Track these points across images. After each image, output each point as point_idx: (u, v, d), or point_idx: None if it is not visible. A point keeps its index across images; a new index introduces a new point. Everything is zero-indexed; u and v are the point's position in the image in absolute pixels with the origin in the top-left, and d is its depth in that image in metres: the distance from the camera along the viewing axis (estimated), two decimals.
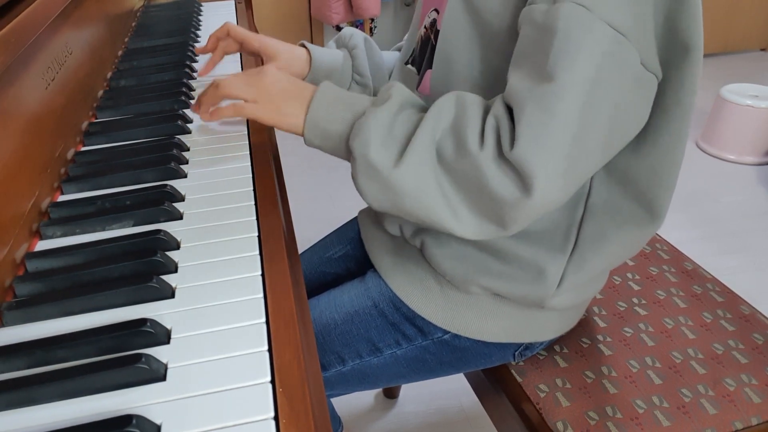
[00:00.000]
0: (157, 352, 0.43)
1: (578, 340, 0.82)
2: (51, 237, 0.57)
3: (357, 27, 2.91)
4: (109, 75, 0.89)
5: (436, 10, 0.70)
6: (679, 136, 0.61)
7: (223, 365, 0.42)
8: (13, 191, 0.53)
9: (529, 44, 0.55)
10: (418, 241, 0.73)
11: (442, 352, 0.75)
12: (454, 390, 1.38)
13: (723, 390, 0.74)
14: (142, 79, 0.88)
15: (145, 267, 0.51)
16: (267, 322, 0.46)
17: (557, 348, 0.81)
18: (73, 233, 0.57)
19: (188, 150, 0.71)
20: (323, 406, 0.43)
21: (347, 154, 0.61)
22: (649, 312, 0.86)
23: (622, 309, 0.87)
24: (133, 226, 0.58)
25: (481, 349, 0.75)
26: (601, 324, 0.85)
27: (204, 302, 0.48)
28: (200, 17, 1.26)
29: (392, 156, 0.56)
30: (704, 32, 0.56)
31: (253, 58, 0.99)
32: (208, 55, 0.89)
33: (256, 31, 1.23)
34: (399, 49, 0.92)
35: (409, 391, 1.40)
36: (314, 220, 2.00)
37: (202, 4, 1.36)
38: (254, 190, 0.62)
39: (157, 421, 0.38)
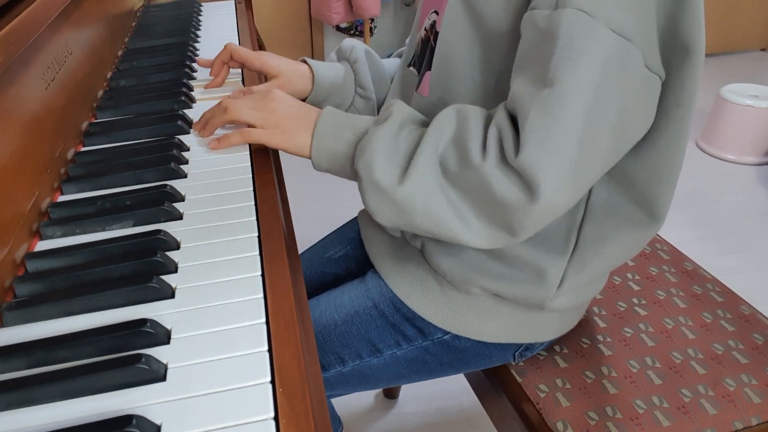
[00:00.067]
0: (158, 352, 0.43)
1: (578, 341, 0.82)
2: (51, 237, 0.56)
3: (357, 27, 2.91)
4: (109, 75, 0.89)
5: (436, 12, 0.70)
6: (680, 137, 0.61)
7: (224, 365, 0.42)
8: (13, 191, 0.53)
9: (532, 50, 0.55)
10: (418, 242, 0.73)
11: (443, 353, 0.75)
12: (454, 390, 1.38)
13: (723, 390, 0.74)
14: (142, 79, 0.88)
15: (145, 267, 0.51)
16: (267, 322, 0.46)
17: (557, 348, 0.81)
18: (73, 233, 0.57)
19: (188, 150, 0.71)
20: (323, 406, 0.43)
21: (354, 176, 0.61)
22: (649, 312, 0.86)
23: (622, 309, 0.87)
24: (133, 226, 0.58)
25: (482, 350, 0.75)
26: (601, 324, 0.85)
27: (204, 302, 0.48)
28: (200, 17, 1.26)
29: (396, 174, 0.57)
30: (704, 32, 0.56)
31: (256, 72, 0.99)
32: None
33: (256, 31, 1.23)
34: (400, 56, 0.92)
35: (409, 391, 1.40)
36: (314, 220, 2.00)
37: (202, 4, 1.36)
38: (254, 190, 0.62)
39: (157, 422, 0.38)
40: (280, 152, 0.75)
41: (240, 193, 0.62)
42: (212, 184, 0.64)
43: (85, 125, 0.75)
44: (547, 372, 0.78)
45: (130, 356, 0.42)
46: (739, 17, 3.32)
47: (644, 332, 0.83)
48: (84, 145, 0.72)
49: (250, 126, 0.67)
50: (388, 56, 0.94)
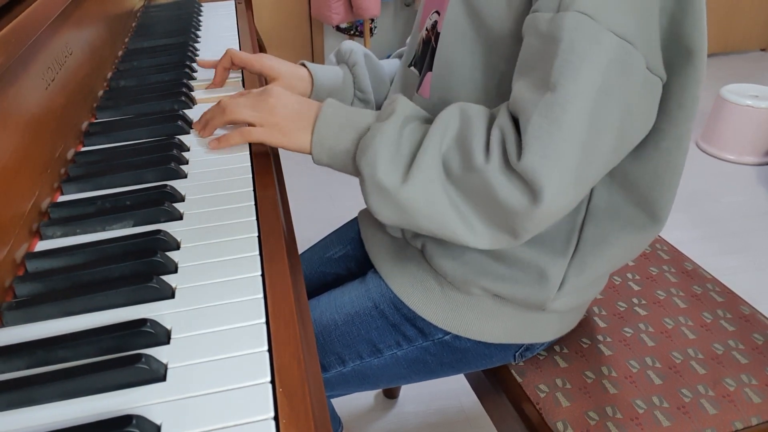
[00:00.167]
0: (157, 352, 0.43)
1: (578, 341, 0.82)
2: (51, 237, 0.56)
3: (357, 27, 2.91)
4: (109, 75, 0.89)
5: (438, 12, 0.70)
6: (681, 140, 0.61)
7: (223, 365, 0.42)
8: (13, 191, 0.53)
9: (534, 53, 0.55)
10: (419, 242, 0.73)
11: (443, 353, 0.75)
12: (454, 390, 1.38)
13: (723, 390, 0.74)
14: (142, 80, 0.88)
15: (145, 267, 0.51)
16: (267, 322, 0.46)
17: (557, 348, 0.81)
18: (74, 233, 0.57)
19: (188, 150, 0.71)
20: (323, 406, 0.43)
21: (356, 172, 0.61)
22: (649, 312, 0.86)
23: (622, 309, 0.87)
24: (133, 226, 0.58)
25: (482, 350, 0.75)
26: (601, 324, 0.85)
27: (204, 302, 0.48)
28: (200, 17, 1.26)
29: (400, 173, 0.57)
30: (706, 35, 0.56)
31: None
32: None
33: (256, 31, 1.23)
34: (400, 56, 0.92)
35: (409, 391, 1.40)
36: (314, 220, 2.00)
37: (202, 4, 1.36)
38: (254, 190, 0.62)
39: (157, 422, 0.38)
40: (281, 152, 0.75)
41: (240, 193, 0.62)
42: (212, 184, 0.64)
43: (85, 125, 0.75)
44: (547, 372, 0.78)
45: (130, 356, 0.42)
46: (739, 17, 3.32)
47: (644, 332, 0.83)
48: (84, 145, 0.72)
49: (249, 125, 0.66)
50: (388, 56, 0.94)
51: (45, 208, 0.59)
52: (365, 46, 2.85)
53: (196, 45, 1.07)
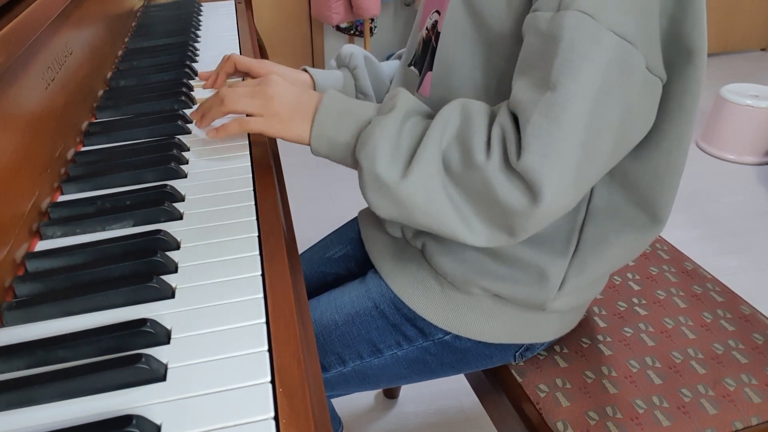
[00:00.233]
0: (157, 352, 0.43)
1: (578, 340, 0.82)
2: (51, 237, 0.57)
3: (357, 27, 2.90)
4: (109, 75, 0.89)
5: (438, 12, 0.70)
6: (681, 140, 0.61)
7: (223, 365, 0.42)
8: (13, 191, 0.53)
9: (534, 52, 0.54)
10: (419, 242, 0.73)
11: (443, 353, 0.75)
12: (454, 390, 1.38)
13: (723, 390, 0.74)
14: (142, 79, 0.88)
15: (145, 267, 0.51)
16: (267, 322, 0.46)
17: (557, 348, 0.81)
18: (73, 233, 0.57)
19: (188, 150, 0.71)
20: (323, 406, 0.43)
21: (355, 165, 0.61)
22: (649, 312, 0.86)
23: (622, 309, 0.87)
24: (133, 226, 0.58)
25: (482, 350, 0.75)
26: (601, 324, 0.85)
27: (204, 302, 0.48)
28: (200, 17, 1.26)
29: (399, 168, 0.57)
30: (706, 35, 0.56)
31: (254, 57, 0.99)
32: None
33: (257, 31, 1.23)
34: (400, 57, 0.92)
35: (409, 391, 1.40)
36: (314, 220, 2.00)
37: (202, 4, 1.36)
38: (254, 190, 0.62)
39: (157, 421, 0.38)
40: (281, 152, 0.75)
41: (240, 193, 0.62)
42: (212, 183, 0.64)
43: (85, 125, 0.75)
44: (547, 372, 0.78)
45: (130, 356, 0.42)
46: (739, 17, 3.32)
47: (644, 332, 0.83)
48: (84, 145, 0.72)
49: (248, 115, 0.66)
50: (388, 57, 0.94)
51: (45, 208, 0.59)
52: (365, 46, 2.86)
53: (196, 45, 1.07)
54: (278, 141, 0.79)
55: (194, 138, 0.73)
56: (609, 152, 0.54)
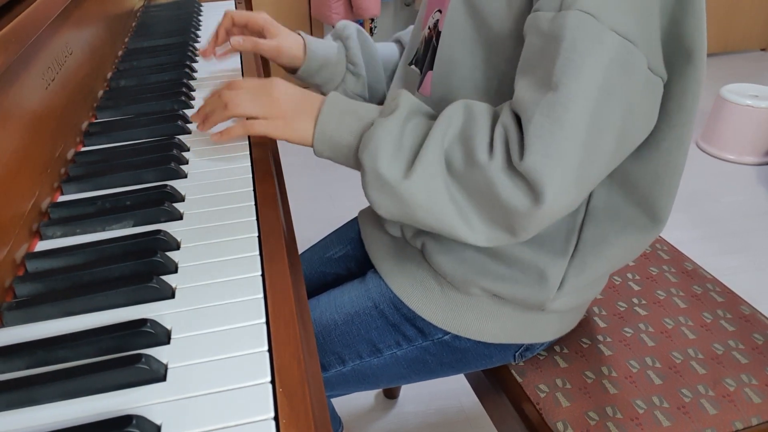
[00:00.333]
0: (158, 352, 0.43)
1: (578, 341, 0.82)
2: (51, 237, 0.57)
3: None
4: (109, 75, 0.89)
5: (440, 11, 0.70)
6: (681, 141, 0.61)
7: (223, 365, 0.42)
8: (13, 191, 0.53)
9: (536, 53, 0.54)
10: (418, 242, 0.73)
11: (443, 353, 0.75)
12: (454, 390, 1.38)
13: (723, 390, 0.74)
14: (142, 79, 0.88)
15: (145, 267, 0.51)
16: (267, 322, 0.46)
17: (557, 348, 0.81)
18: (73, 233, 0.57)
19: (188, 150, 0.71)
20: (323, 406, 0.43)
21: (357, 165, 0.61)
22: (649, 312, 0.86)
23: (622, 309, 0.87)
24: (134, 226, 0.58)
25: (482, 350, 0.75)
26: (601, 324, 0.85)
27: (204, 302, 0.48)
28: (200, 17, 1.26)
29: (402, 168, 0.57)
30: (706, 35, 0.56)
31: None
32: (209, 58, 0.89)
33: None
34: (397, 41, 0.93)
35: (409, 391, 1.40)
36: (314, 220, 2.00)
37: (202, 4, 1.36)
38: (254, 190, 0.62)
39: (157, 421, 0.38)
40: (280, 152, 0.75)
41: (240, 193, 0.62)
42: (212, 184, 0.64)
43: (85, 125, 0.75)
44: (547, 372, 0.78)
45: (130, 356, 0.42)
46: (739, 17, 3.32)
47: (644, 332, 0.83)
48: (84, 145, 0.72)
49: (251, 118, 0.66)
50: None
51: (45, 208, 0.59)
52: None
53: (196, 45, 1.07)
54: (278, 141, 0.79)
55: (194, 138, 0.73)
56: (611, 152, 0.54)
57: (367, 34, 0.89)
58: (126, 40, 1.05)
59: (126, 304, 0.48)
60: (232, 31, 0.86)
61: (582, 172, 0.52)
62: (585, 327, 0.84)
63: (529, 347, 0.77)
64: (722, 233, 1.91)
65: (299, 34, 0.86)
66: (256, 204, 0.60)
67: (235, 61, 0.99)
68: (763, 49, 3.50)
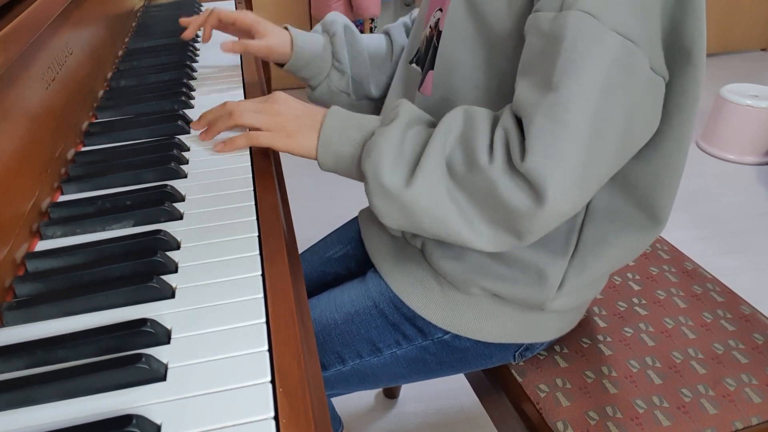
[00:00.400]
0: (158, 352, 0.43)
1: (578, 340, 0.82)
2: (51, 237, 0.56)
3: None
4: (109, 75, 0.89)
5: (440, 10, 0.70)
6: (681, 141, 0.60)
7: (223, 365, 0.42)
8: (13, 191, 0.53)
9: (536, 53, 0.54)
10: (418, 241, 0.73)
11: (443, 353, 0.75)
12: (454, 390, 1.38)
13: (723, 390, 0.74)
14: (142, 79, 0.88)
15: (146, 267, 0.51)
16: (267, 322, 0.46)
17: (557, 348, 0.81)
18: (74, 233, 0.57)
19: (188, 150, 0.71)
20: (323, 406, 0.43)
21: (360, 176, 0.61)
22: (649, 312, 0.86)
23: (622, 309, 0.87)
24: (134, 226, 0.58)
25: (482, 350, 0.75)
26: (601, 324, 0.85)
27: (204, 302, 0.48)
28: None
29: (404, 175, 0.57)
30: (705, 36, 0.56)
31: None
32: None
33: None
34: (386, 33, 0.93)
35: (409, 391, 1.40)
36: (314, 220, 2.00)
37: (202, 4, 1.36)
38: (254, 190, 0.62)
39: (157, 421, 0.38)
40: (281, 152, 0.75)
41: (240, 193, 0.62)
42: (212, 184, 0.64)
43: (85, 125, 0.75)
44: (547, 372, 0.78)
45: (130, 356, 0.42)
46: (739, 17, 3.32)
47: (644, 332, 0.83)
48: (84, 145, 0.72)
49: (254, 129, 0.66)
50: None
51: (45, 208, 0.59)
52: None
53: (196, 45, 1.07)
54: None
55: (194, 138, 0.73)
56: (614, 153, 0.54)
57: (355, 29, 0.90)
58: (126, 40, 1.05)
59: (126, 303, 0.48)
60: (220, 27, 0.88)
61: (584, 173, 0.52)
62: (585, 327, 0.84)
63: (529, 347, 0.77)
64: (722, 233, 1.91)
65: (286, 29, 0.87)
66: (256, 204, 0.60)
67: (234, 59, 1.00)
68: (763, 49, 3.50)
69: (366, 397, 1.40)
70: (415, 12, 0.92)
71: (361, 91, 0.91)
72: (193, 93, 0.86)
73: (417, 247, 0.74)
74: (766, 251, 1.82)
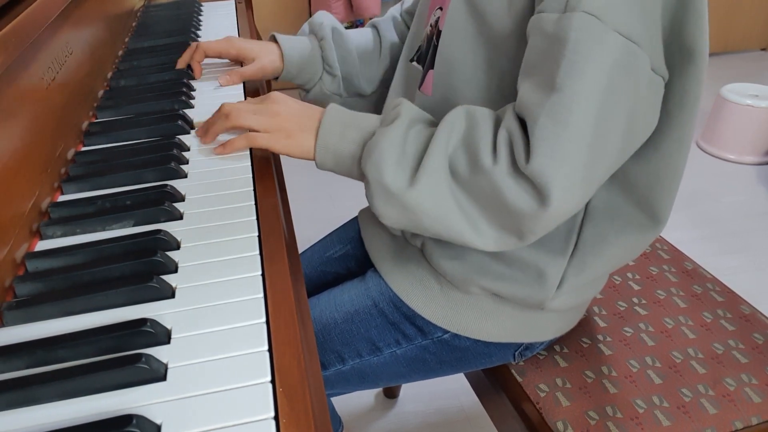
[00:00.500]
0: (158, 352, 0.43)
1: (578, 340, 0.82)
2: (51, 237, 0.56)
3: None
4: (109, 75, 0.89)
5: (440, 9, 0.70)
6: (682, 141, 0.61)
7: (223, 365, 0.42)
8: (13, 191, 0.53)
9: (539, 54, 0.54)
10: (418, 241, 0.73)
11: (442, 352, 0.75)
12: (454, 390, 1.38)
13: (723, 390, 0.74)
14: (143, 79, 0.88)
15: (145, 267, 0.51)
16: (267, 322, 0.46)
17: (557, 348, 0.81)
18: (73, 233, 0.57)
19: (188, 150, 0.71)
20: (323, 406, 0.43)
21: (361, 176, 0.61)
22: (649, 312, 0.86)
23: (622, 309, 0.87)
24: (134, 226, 0.58)
25: (481, 349, 0.75)
26: (601, 324, 0.85)
27: (204, 302, 0.48)
28: (200, 17, 1.25)
29: (406, 176, 0.57)
30: (708, 36, 0.56)
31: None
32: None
33: (257, 31, 1.23)
34: (373, 26, 0.93)
35: (409, 390, 1.40)
36: (314, 220, 2.00)
37: (202, 4, 1.36)
38: (254, 190, 0.62)
39: (157, 421, 0.38)
40: None
41: (240, 193, 0.62)
42: (212, 183, 0.64)
43: (85, 125, 0.75)
44: (547, 371, 0.78)
45: (130, 356, 0.42)
46: (739, 17, 3.32)
47: (644, 332, 0.83)
48: (84, 145, 0.72)
49: (253, 131, 0.66)
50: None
51: (45, 207, 0.59)
52: None
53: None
54: None
55: (194, 138, 0.73)
56: (616, 153, 0.54)
57: (342, 29, 0.90)
58: (126, 39, 1.05)
59: (126, 303, 0.48)
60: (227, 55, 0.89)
61: (587, 173, 0.52)
62: (585, 326, 0.84)
63: (528, 346, 0.77)
64: (722, 233, 1.91)
65: (274, 39, 0.88)
66: (256, 204, 0.60)
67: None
68: (763, 49, 3.50)
69: (366, 397, 1.40)
70: (407, 2, 0.92)
71: (353, 88, 0.91)
72: (193, 93, 0.86)
73: (417, 247, 0.74)
74: (766, 251, 1.82)
